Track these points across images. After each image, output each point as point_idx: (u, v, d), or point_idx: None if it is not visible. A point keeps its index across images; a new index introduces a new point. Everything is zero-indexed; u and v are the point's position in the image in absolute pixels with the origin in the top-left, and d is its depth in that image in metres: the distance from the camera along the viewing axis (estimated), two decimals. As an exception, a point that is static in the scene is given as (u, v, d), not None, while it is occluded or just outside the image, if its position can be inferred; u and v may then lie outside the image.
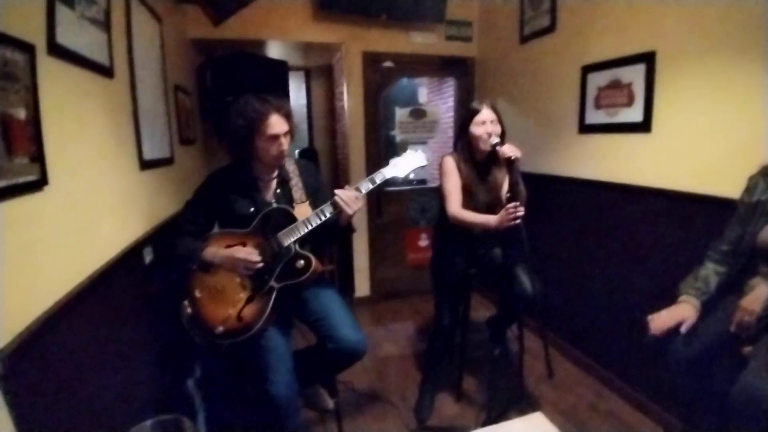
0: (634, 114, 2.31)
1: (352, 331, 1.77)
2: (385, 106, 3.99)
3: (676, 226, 2.11)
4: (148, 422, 0.83)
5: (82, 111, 1.46)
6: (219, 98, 3.23)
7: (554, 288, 2.84)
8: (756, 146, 1.73)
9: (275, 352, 1.71)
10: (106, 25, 1.64)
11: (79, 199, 1.39)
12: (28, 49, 1.13)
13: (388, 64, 3.83)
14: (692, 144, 2.03)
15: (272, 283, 1.74)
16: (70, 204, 1.32)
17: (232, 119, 1.74)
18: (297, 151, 4.84)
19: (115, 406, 1.42)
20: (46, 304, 1.13)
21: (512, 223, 1.89)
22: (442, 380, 2.57)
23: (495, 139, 2.05)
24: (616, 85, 2.41)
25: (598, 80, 2.53)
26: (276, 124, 1.72)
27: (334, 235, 1.93)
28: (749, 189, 1.60)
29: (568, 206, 2.85)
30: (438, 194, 2.28)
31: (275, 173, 1.89)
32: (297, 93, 4.87)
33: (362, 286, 4.02)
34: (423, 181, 4.10)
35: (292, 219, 1.78)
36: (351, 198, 1.72)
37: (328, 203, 1.75)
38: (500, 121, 2.13)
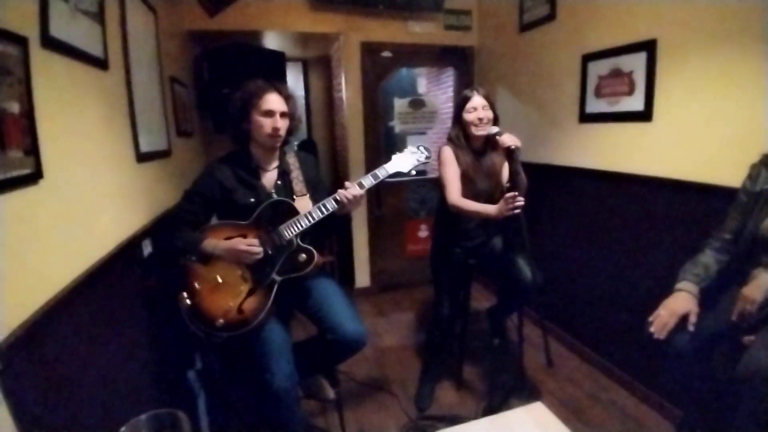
0: (635, 103, 2.29)
1: (352, 323, 1.77)
2: (384, 96, 3.96)
3: (676, 215, 2.11)
4: (143, 416, 0.82)
5: (76, 103, 1.44)
6: (216, 90, 3.20)
7: (554, 278, 2.84)
8: (757, 135, 1.72)
9: (275, 343, 1.71)
10: (100, 16, 1.62)
11: (76, 192, 1.37)
12: (21, 41, 1.11)
13: (386, 54, 3.80)
14: (693, 133, 2.02)
15: (274, 276, 1.74)
16: (67, 197, 1.31)
17: (233, 96, 1.80)
18: (296, 143, 4.82)
19: (115, 399, 1.42)
20: (44, 298, 1.12)
21: (512, 213, 1.89)
22: (443, 370, 2.58)
23: (495, 129, 2.06)
24: (616, 73, 2.39)
25: (598, 69, 2.51)
26: (273, 100, 1.77)
27: (333, 226, 1.93)
28: (751, 178, 1.59)
29: (568, 196, 2.84)
30: (437, 184, 2.28)
31: (275, 163, 1.89)
32: (295, 84, 4.83)
33: (362, 277, 4.03)
34: (423, 173, 4.08)
35: (293, 212, 1.78)
36: (355, 196, 1.75)
37: (330, 198, 1.76)
38: (492, 107, 2.14)
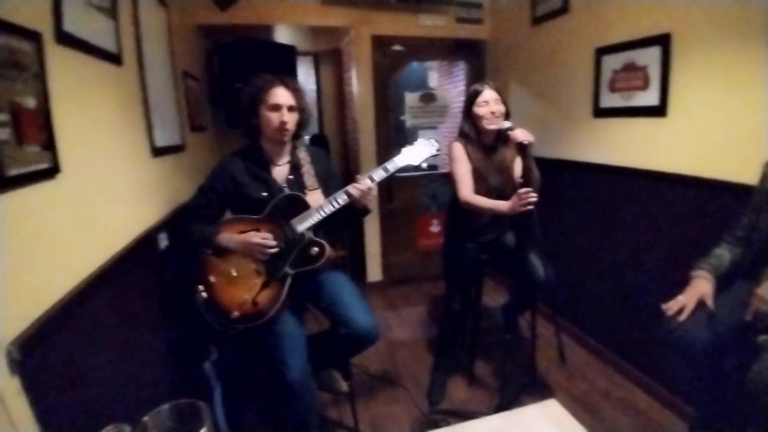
0: (649, 98, 2.25)
1: (365, 316, 1.78)
2: (395, 90, 3.95)
3: (691, 212, 2.07)
4: (166, 406, 0.83)
5: (92, 99, 1.45)
6: (228, 85, 3.21)
7: (567, 274, 2.81)
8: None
9: (289, 337, 1.73)
10: (113, 12, 1.63)
11: (92, 186, 1.39)
12: (35, 37, 1.12)
13: (397, 47, 3.78)
14: (709, 129, 1.99)
15: (287, 269, 1.75)
16: (83, 191, 1.33)
17: (243, 91, 1.82)
18: (308, 138, 4.82)
19: (133, 391, 1.45)
20: (62, 291, 1.14)
21: (525, 209, 1.87)
22: (454, 365, 2.58)
23: (507, 124, 2.04)
24: (631, 68, 2.35)
25: (612, 63, 2.47)
26: (280, 94, 1.78)
27: (350, 219, 1.95)
28: (765, 176, 1.57)
29: (581, 191, 2.81)
30: (449, 180, 2.27)
31: (287, 158, 1.90)
32: (306, 78, 4.83)
33: (374, 272, 4.03)
34: (434, 167, 4.06)
35: (305, 206, 1.79)
36: (364, 191, 1.76)
37: (341, 191, 1.76)
38: (504, 101, 2.11)
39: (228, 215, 1.89)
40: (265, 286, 1.74)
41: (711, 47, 1.94)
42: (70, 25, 1.29)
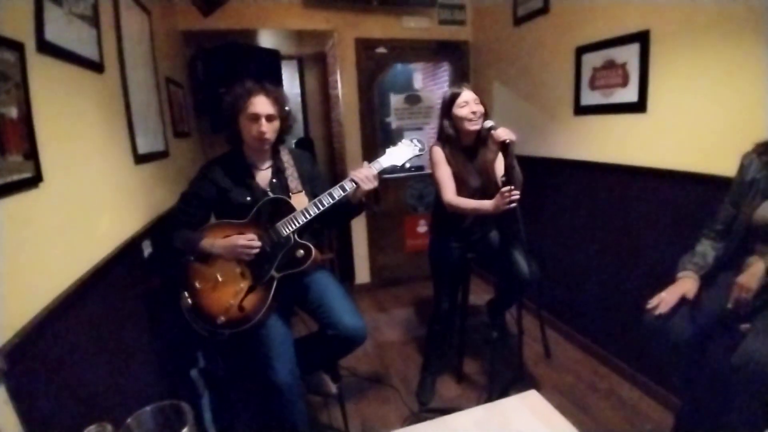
0: (629, 94, 2.30)
1: (352, 318, 1.79)
2: (380, 92, 3.97)
3: (672, 206, 2.12)
4: (148, 408, 0.84)
5: (74, 107, 1.45)
6: (211, 90, 3.20)
7: (551, 269, 2.86)
8: (751, 124, 1.73)
9: (277, 340, 1.73)
10: (94, 20, 1.63)
11: (75, 195, 1.39)
12: (17, 47, 1.12)
13: (381, 50, 3.80)
14: (688, 123, 2.03)
15: (273, 272, 1.76)
16: (66, 200, 1.32)
17: (224, 99, 1.80)
18: (293, 141, 4.82)
19: (119, 399, 1.44)
20: (47, 299, 1.14)
21: (508, 207, 1.90)
22: (443, 364, 2.61)
23: (489, 123, 2.06)
24: (610, 65, 2.40)
25: (592, 61, 2.52)
26: (259, 103, 1.75)
27: (344, 216, 1.97)
28: (743, 167, 1.60)
29: (564, 188, 2.86)
30: (433, 183, 2.29)
31: (269, 162, 1.90)
32: (291, 82, 4.84)
33: (362, 273, 4.05)
34: (420, 168, 4.09)
35: (290, 209, 1.79)
36: (368, 176, 1.76)
37: (338, 186, 1.77)
38: (481, 101, 2.14)
39: (213, 221, 1.89)
40: (250, 290, 1.74)
41: (689, 43, 1.99)
42: (51, 35, 1.29)
